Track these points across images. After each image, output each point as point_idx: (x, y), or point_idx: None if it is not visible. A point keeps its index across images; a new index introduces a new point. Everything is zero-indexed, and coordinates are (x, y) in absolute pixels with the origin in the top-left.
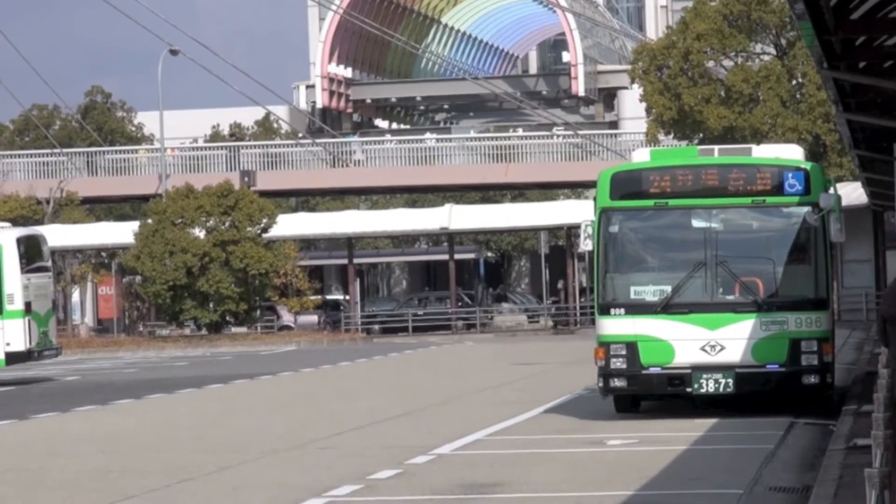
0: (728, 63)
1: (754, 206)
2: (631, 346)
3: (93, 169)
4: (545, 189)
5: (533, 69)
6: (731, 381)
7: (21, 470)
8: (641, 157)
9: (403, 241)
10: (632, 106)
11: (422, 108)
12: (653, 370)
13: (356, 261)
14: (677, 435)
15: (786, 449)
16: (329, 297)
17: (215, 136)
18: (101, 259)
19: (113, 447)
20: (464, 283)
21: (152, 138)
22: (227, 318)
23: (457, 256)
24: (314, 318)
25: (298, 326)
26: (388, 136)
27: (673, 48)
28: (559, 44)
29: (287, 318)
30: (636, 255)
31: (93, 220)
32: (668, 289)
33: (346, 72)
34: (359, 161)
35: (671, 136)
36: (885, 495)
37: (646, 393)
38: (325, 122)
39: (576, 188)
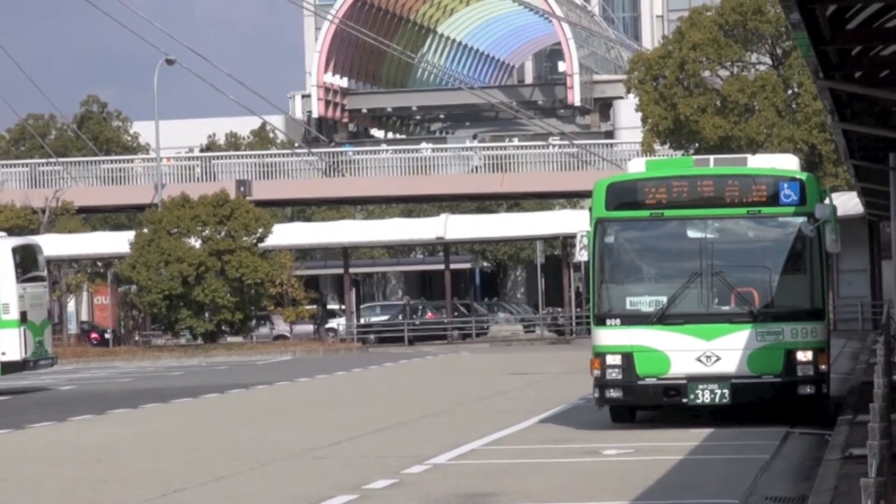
0: (724, 73)
1: (750, 216)
2: (627, 357)
3: (88, 179)
4: (541, 199)
5: (529, 79)
6: (726, 391)
7: (17, 479)
8: (637, 167)
9: (399, 250)
10: (627, 116)
11: (417, 117)
12: (648, 381)
13: (352, 270)
14: (673, 445)
15: (781, 459)
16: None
17: (211, 145)
18: (96, 268)
19: (109, 456)
20: (459, 293)
21: (148, 148)
22: (223, 327)
23: (452, 266)
24: (309, 327)
25: (294, 336)
26: (384, 146)
27: (669, 58)
28: (555, 54)
29: (282, 327)
30: (632, 265)
31: (88, 230)
32: (664, 299)
33: (342, 81)
34: (352, 160)
35: (667, 145)
36: None
37: (641, 404)
38: (321, 131)
39: (571, 198)
